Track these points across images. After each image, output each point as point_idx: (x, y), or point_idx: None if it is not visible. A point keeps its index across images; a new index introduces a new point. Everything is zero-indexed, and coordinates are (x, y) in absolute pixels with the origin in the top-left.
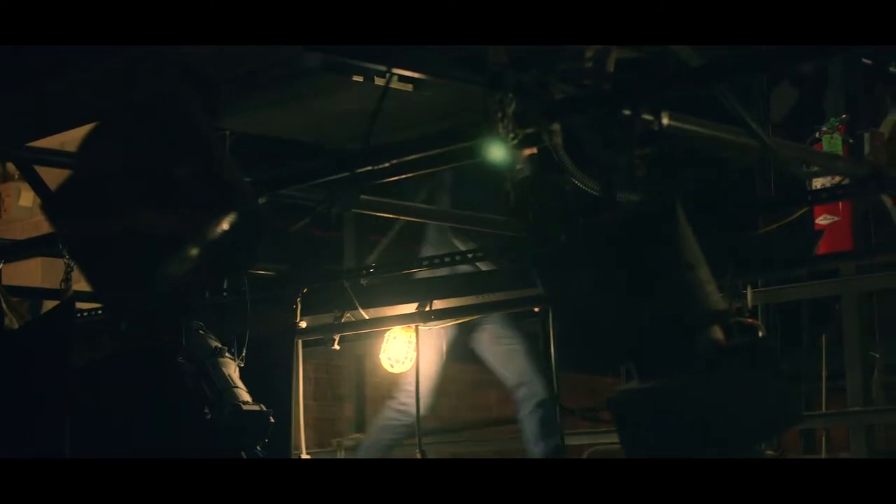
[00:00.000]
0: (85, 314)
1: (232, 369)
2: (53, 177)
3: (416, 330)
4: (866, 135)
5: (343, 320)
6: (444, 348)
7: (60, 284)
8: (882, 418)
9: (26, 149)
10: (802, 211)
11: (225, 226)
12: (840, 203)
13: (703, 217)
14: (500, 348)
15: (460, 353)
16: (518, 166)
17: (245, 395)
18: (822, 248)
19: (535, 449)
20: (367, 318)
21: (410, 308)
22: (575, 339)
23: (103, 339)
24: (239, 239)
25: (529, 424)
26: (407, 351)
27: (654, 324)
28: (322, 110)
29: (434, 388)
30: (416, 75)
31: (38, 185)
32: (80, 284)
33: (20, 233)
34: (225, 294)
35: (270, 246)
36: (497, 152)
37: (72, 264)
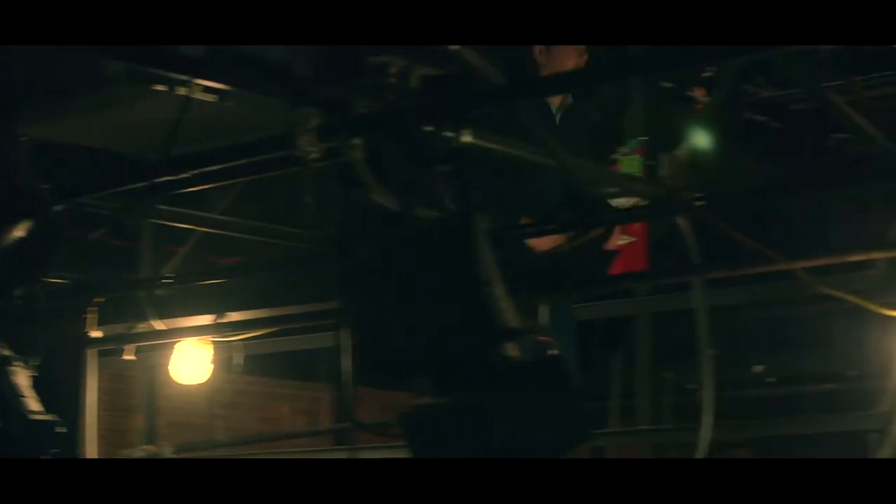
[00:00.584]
0: None
1: (22, 378)
2: None
3: (213, 342)
4: (664, 157)
5: (137, 330)
6: (239, 360)
7: None
8: (671, 438)
9: None
10: (599, 231)
11: (20, 233)
12: (636, 224)
13: (500, 234)
14: None
15: (253, 365)
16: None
17: (34, 405)
18: (617, 268)
19: None
20: (163, 328)
21: (206, 319)
22: (370, 352)
23: None
24: (34, 247)
25: None
26: (200, 362)
27: (448, 339)
28: (124, 119)
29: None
30: (219, 86)
31: None
32: None
33: None
34: (17, 302)
35: (67, 254)
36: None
37: None
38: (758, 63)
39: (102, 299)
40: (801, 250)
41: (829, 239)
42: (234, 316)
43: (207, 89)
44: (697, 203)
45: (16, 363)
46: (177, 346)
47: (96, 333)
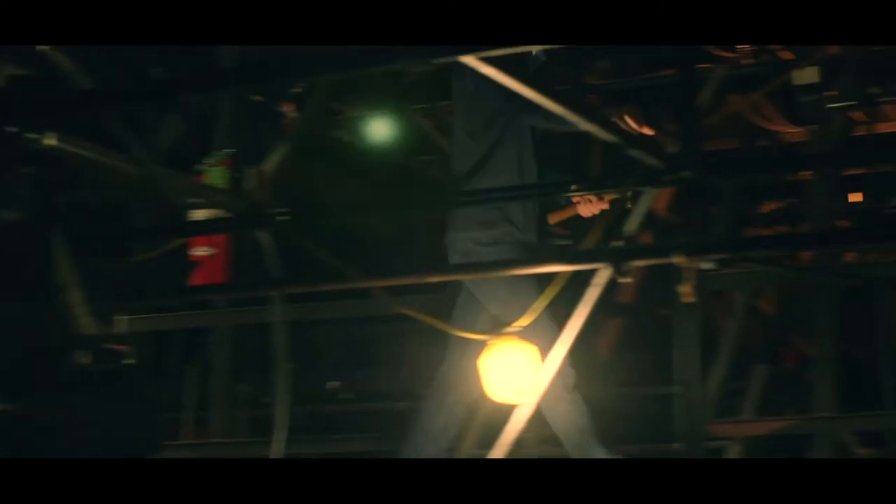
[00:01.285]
0: None
1: None
2: None
3: None
4: (250, 170)
5: None
6: None
7: None
8: (244, 451)
9: None
10: (179, 241)
11: None
12: (219, 236)
13: (80, 241)
14: None
15: None
16: None
17: None
18: (197, 280)
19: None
20: None
21: None
22: None
23: None
24: None
25: None
26: None
27: (20, 344)
28: None
29: None
30: None
31: None
32: None
33: None
34: None
35: None
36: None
37: None
38: (348, 82)
39: None
40: (381, 269)
41: (409, 259)
42: None
43: None
44: (280, 218)
45: None
46: None
47: None
